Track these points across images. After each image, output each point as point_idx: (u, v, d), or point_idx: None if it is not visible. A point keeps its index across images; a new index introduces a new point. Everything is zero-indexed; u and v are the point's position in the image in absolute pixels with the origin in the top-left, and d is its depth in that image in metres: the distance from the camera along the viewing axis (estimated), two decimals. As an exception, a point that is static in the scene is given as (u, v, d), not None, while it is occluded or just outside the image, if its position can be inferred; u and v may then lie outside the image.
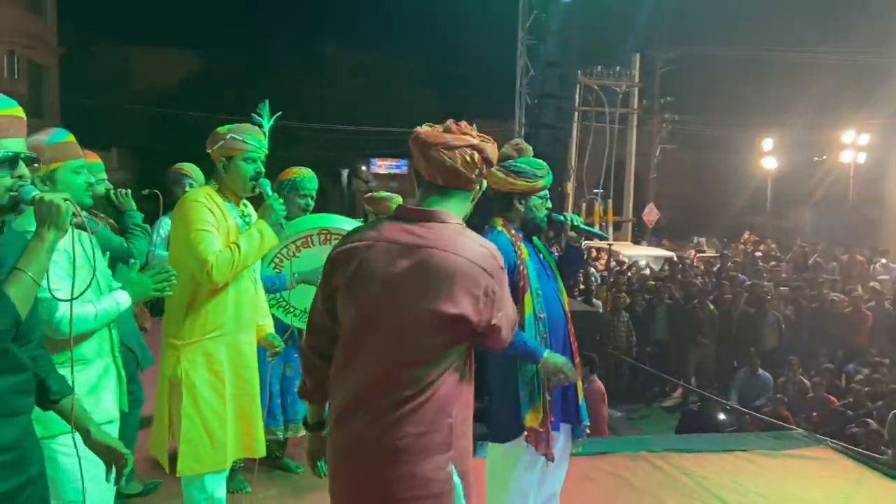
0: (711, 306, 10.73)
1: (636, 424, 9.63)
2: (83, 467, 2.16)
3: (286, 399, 4.33)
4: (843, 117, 24.57)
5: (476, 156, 2.00)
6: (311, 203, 4.30)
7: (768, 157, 27.06)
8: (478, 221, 2.72)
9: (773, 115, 27.47)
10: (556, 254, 3.46)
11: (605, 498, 4.48)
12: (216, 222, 2.94)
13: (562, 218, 3.32)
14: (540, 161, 3.21)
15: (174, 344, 2.97)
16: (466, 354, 2.04)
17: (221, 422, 2.98)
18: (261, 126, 3.17)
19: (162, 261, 4.27)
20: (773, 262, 16.16)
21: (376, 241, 1.97)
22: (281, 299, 4.14)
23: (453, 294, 1.89)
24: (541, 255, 3.24)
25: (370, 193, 4.87)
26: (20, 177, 1.90)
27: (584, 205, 21.59)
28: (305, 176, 4.31)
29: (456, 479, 2.00)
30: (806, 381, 9.02)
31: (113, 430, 2.61)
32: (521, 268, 3.04)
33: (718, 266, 15.20)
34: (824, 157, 27.70)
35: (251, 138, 3.05)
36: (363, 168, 39.06)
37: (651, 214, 22.94)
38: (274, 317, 3.84)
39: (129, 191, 4.01)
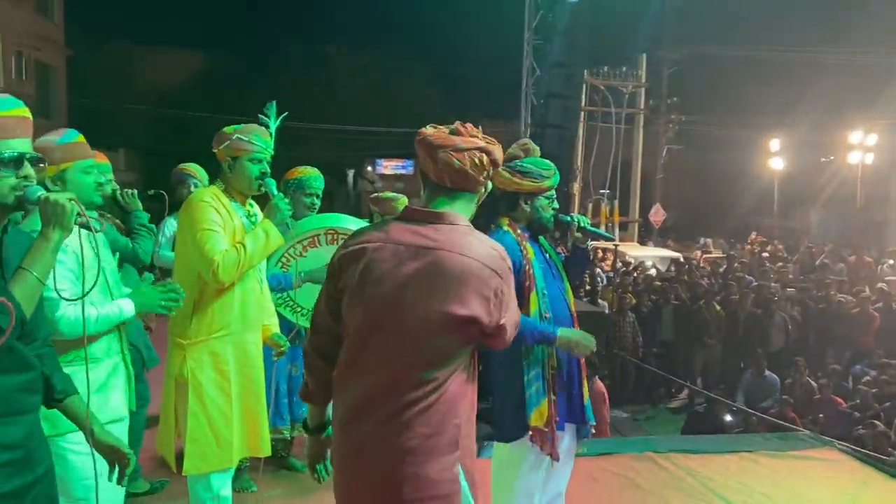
0: (718, 307, 10.70)
1: (642, 425, 9.60)
2: (97, 464, 2.17)
3: (293, 398, 4.34)
4: (851, 118, 24.44)
5: (484, 158, 2.01)
6: (317, 202, 4.31)
7: (775, 157, 26.97)
8: (484, 221, 2.72)
9: (780, 116, 27.41)
10: (563, 254, 3.46)
11: (610, 498, 4.47)
12: (222, 222, 2.95)
13: (568, 219, 3.32)
14: (547, 161, 3.21)
15: (180, 343, 2.98)
16: (472, 355, 2.05)
17: (227, 421, 2.99)
18: (267, 126, 3.18)
19: (167, 261, 4.31)
20: (780, 263, 16.12)
21: (384, 243, 1.96)
22: (288, 298, 4.15)
23: (464, 295, 1.89)
24: (547, 255, 3.24)
25: (376, 194, 4.87)
26: (25, 177, 1.91)
27: (590, 205, 21.54)
28: (311, 175, 4.32)
29: (462, 480, 2.00)
30: (813, 382, 8.99)
31: (121, 429, 2.63)
32: (527, 267, 3.04)
33: (725, 267, 15.15)
34: (831, 157, 27.57)
35: (257, 139, 3.06)
36: (369, 168, 39.08)
37: (657, 215, 22.88)
38: (280, 316, 3.85)
39: (136, 191, 4.04)
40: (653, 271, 15.01)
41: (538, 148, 3.27)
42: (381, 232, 2.00)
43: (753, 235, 23.04)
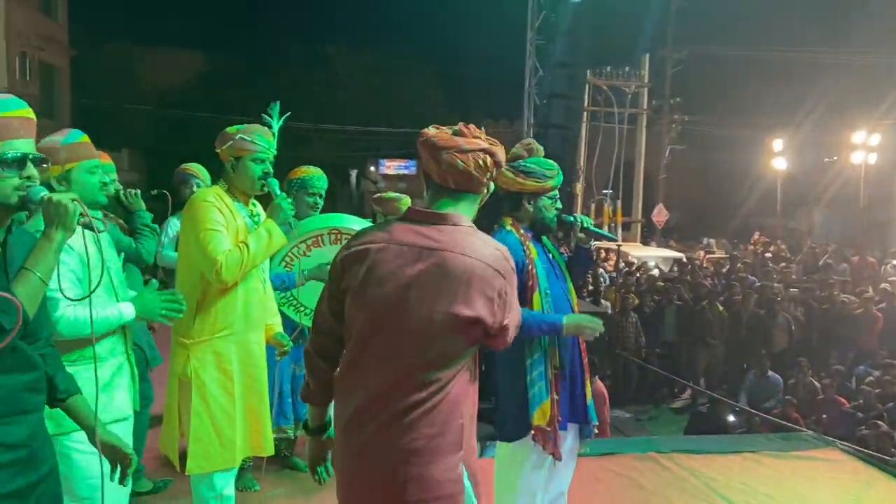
0: (721, 307, 10.68)
1: (644, 426, 9.60)
2: (103, 464, 2.18)
3: (296, 398, 4.34)
4: (854, 118, 24.39)
5: (488, 159, 2.01)
6: (320, 202, 4.32)
7: (778, 157, 26.91)
8: (487, 222, 2.73)
9: (783, 116, 27.32)
10: (566, 255, 3.46)
11: (613, 498, 4.47)
12: (225, 222, 2.96)
13: (572, 219, 3.32)
14: (550, 161, 3.21)
15: (184, 343, 2.99)
16: (474, 355, 2.05)
17: (230, 420, 3.00)
18: (270, 126, 3.19)
19: (171, 261, 4.32)
20: (783, 264, 16.07)
21: (388, 243, 1.96)
22: (291, 297, 4.16)
23: (469, 296, 1.90)
24: (550, 255, 3.25)
25: (379, 194, 4.88)
26: (29, 177, 1.92)
27: (593, 205, 21.52)
28: (314, 175, 4.32)
29: (466, 480, 2.00)
30: (816, 382, 8.97)
31: (126, 428, 2.64)
32: (530, 267, 3.04)
33: (728, 267, 15.13)
34: (835, 157, 27.51)
35: (260, 139, 3.07)
36: (372, 168, 39.09)
37: (660, 215, 22.86)
38: (284, 315, 3.86)
39: (139, 191, 4.05)
40: (656, 271, 14.99)
41: (542, 148, 3.26)
42: (384, 232, 1.99)
43: (756, 236, 22.99)
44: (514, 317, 2.04)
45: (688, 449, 5.29)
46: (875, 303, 10.56)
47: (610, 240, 4.54)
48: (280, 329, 3.40)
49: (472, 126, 2.06)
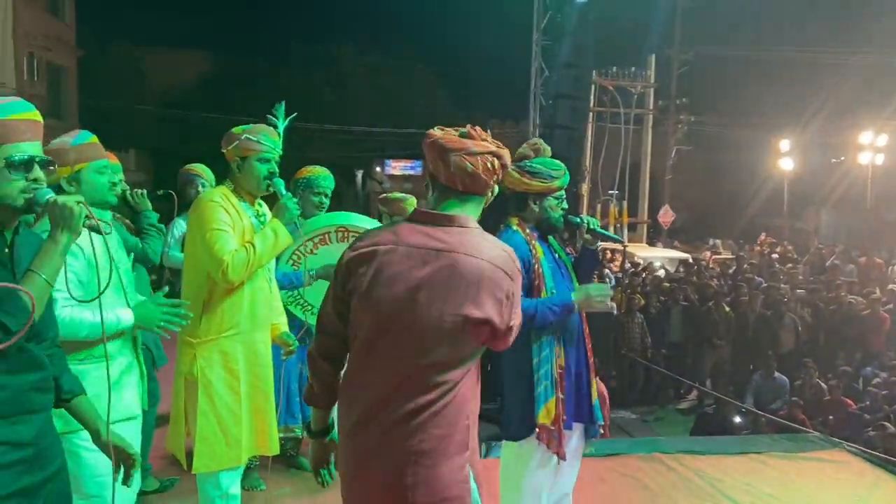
0: (727, 308, 10.66)
1: (650, 427, 9.58)
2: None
3: (304, 396, 4.35)
4: (861, 118, 24.32)
5: (496, 162, 2.02)
6: (326, 201, 4.33)
7: (785, 158, 26.83)
8: (492, 222, 2.73)
9: (789, 116, 27.22)
10: (572, 255, 3.46)
11: (618, 499, 4.47)
12: (232, 222, 2.97)
13: (578, 220, 3.32)
14: (556, 162, 3.20)
15: (190, 342, 3.00)
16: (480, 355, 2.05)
17: (236, 419, 3.01)
18: (275, 127, 3.20)
19: (177, 262, 4.34)
20: (790, 265, 16.02)
21: (395, 245, 1.96)
22: (298, 296, 4.17)
23: (479, 298, 1.90)
24: (556, 255, 3.25)
25: (384, 194, 4.88)
26: (35, 180, 1.93)
27: (598, 206, 21.51)
28: (320, 174, 4.33)
29: (472, 481, 2.00)
30: (822, 384, 8.94)
31: (135, 426, 2.65)
32: (536, 266, 3.05)
33: (734, 268, 15.09)
34: (842, 158, 27.43)
35: (265, 139, 3.08)
36: (377, 169, 39.11)
37: (666, 216, 22.82)
38: (290, 314, 3.86)
39: (145, 191, 4.07)
40: (661, 272, 14.96)
41: (549, 148, 3.25)
42: (391, 234, 1.99)
43: (763, 236, 22.92)
44: (518, 318, 2.04)
45: (693, 450, 5.28)
46: (882, 304, 10.51)
47: (616, 241, 4.54)
48: (286, 329, 3.41)
49: (478, 128, 2.06)
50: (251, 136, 3.06)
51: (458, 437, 1.95)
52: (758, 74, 29.91)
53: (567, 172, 3.23)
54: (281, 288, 3.50)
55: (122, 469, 2.18)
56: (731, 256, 18.32)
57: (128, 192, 3.94)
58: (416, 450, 1.91)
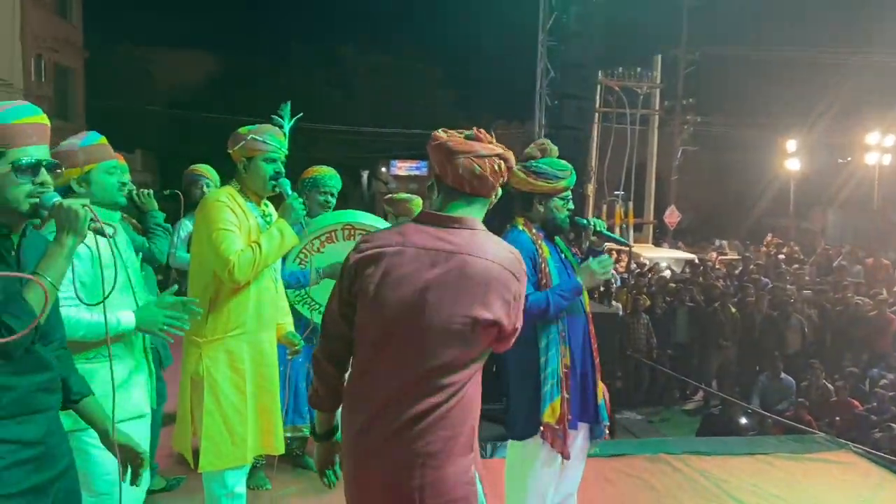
0: (733, 309, 10.62)
1: (656, 427, 9.56)
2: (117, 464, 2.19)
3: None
4: (868, 119, 24.22)
5: (503, 165, 2.02)
6: (332, 201, 4.34)
7: (791, 158, 26.74)
8: (498, 222, 2.73)
9: (796, 117, 27.13)
10: (578, 256, 3.46)
11: (624, 499, 4.47)
12: (238, 222, 2.98)
13: (585, 222, 3.32)
14: (562, 162, 3.20)
15: (196, 342, 3.01)
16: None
17: (242, 418, 3.02)
18: (281, 127, 3.21)
19: (183, 262, 4.35)
20: (797, 265, 15.97)
21: (403, 246, 1.95)
22: (305, 295, 4.18)
23: (488, 299, 1.90)
24: (562, 255, 3.25)
25: (390, 195, 4.89)
26: (42, 183, 1.93)
27: (604, 206, 21.45)
28: (326, 174, 4.35)
29: (478, 482, 2.00)
30: (829, 385, 8.92)
31: (144, 425, 2.66)
32: (543, 265, 3.05)
33: (740, 269, 15.05)
34: (848, 158, 27.33)
35: (271, 139, 3.09)
36: (383, 169, 39.14)
37: (672, 216, 22.77)
38: (297, 313, 3.87)
39: (152, 191, 4.08)
40: (667, 273, 14.93)
41: (556, 148, 3.25)
42: (397, 235, 1.99)
43: (769, 237, 22.85)
44: (521, 319, 2.04)
45: (699, 451, 5.27)
46: (889, 305, 10.48)
47: (622, 244, 4.53)
48: (291, 328, 3.42)
49: (482, 130, 2.06)
50: (257, 137, 3.07)
51: (463, 439, 1.95)
52: (764, 75, 29.84)
53: (573, 173, 3.23)
54: (288, 287, 3.50)
55: (129, 469, 2.19)
56: (737, 257, 18.28)
57: (134, 192, 3.95)
58: (424, 452, 1.90)
